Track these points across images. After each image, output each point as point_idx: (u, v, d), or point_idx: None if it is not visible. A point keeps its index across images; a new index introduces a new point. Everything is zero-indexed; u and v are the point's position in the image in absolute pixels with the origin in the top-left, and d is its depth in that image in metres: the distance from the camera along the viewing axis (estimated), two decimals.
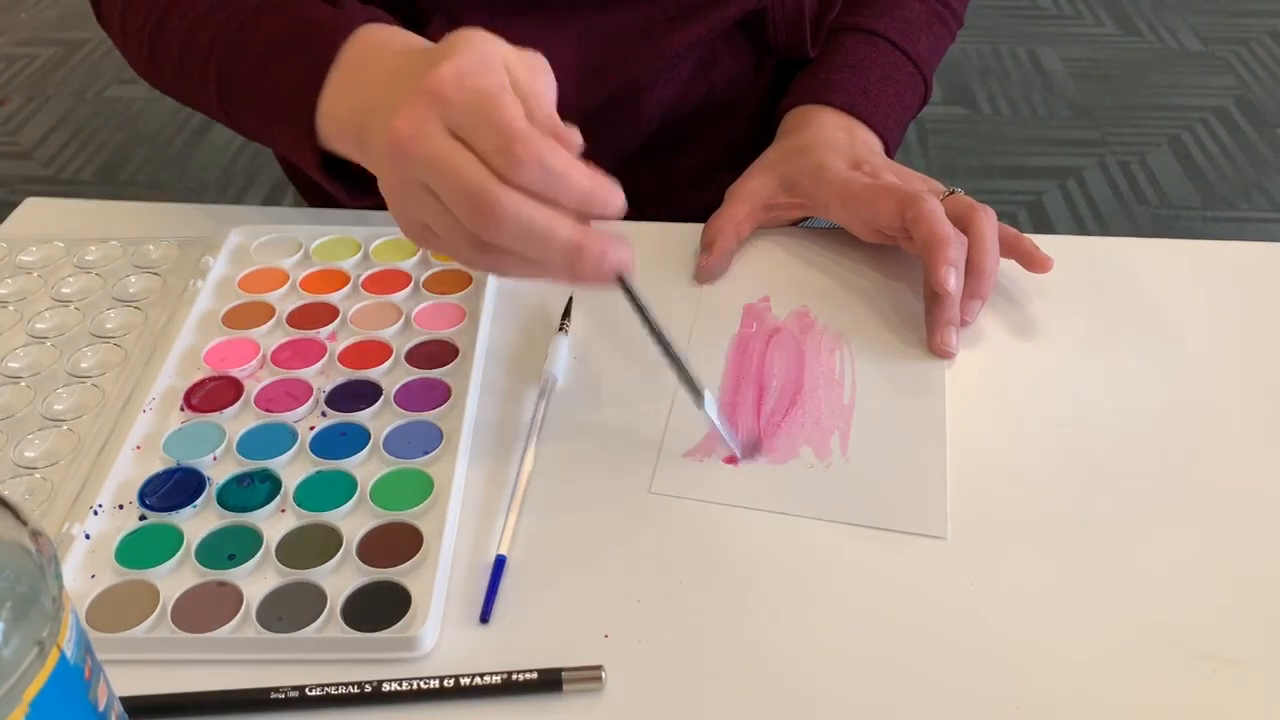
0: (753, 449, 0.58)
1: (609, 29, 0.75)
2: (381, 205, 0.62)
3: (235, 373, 0.61)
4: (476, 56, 0.49)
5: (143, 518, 0.53)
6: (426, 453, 0.56)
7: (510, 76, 0.49)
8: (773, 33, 0.80)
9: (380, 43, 0.57)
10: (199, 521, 0.53)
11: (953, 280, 0.63)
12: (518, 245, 0.48)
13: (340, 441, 0.57)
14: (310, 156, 0.59)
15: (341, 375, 0.61)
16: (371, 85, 0.55)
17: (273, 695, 0.46)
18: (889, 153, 0.77)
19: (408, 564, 0.51)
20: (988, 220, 0.66)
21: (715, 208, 0.73)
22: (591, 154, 0.86)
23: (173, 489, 0.54)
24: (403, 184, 0.50)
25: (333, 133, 0.58)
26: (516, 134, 0.47)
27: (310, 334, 0.64)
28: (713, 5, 0.76)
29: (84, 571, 0.51)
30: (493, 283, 0.68)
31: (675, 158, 0.84)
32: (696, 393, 0.55)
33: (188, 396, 0.60)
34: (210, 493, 0.54)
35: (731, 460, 0.57)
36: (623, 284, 0.51)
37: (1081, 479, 0.56)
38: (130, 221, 0.74)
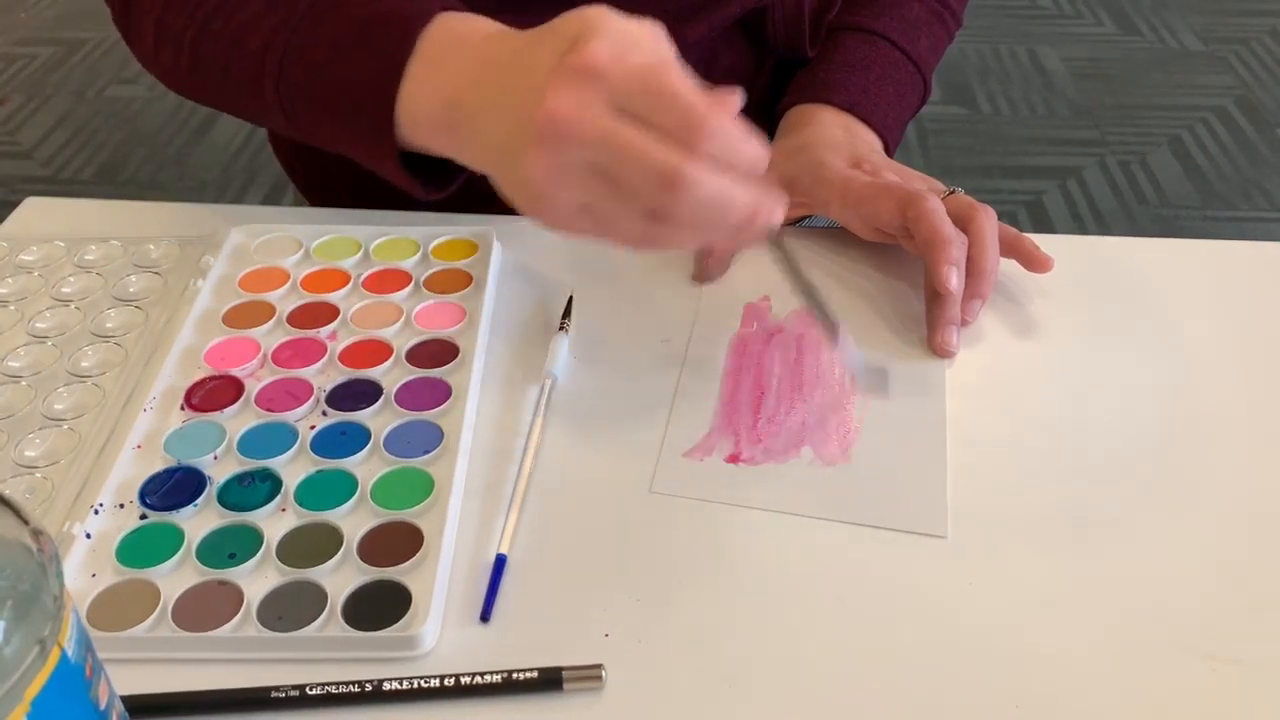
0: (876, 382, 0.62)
1: None
2: (456, 198, 0.60)
3: (236, 372, 0.61)
4: (620, 31, 0.48)
5: (143, 517, 0.53)
6: (427, 452, 0.56)
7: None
8: (772, 31, 0.80)
9: (463, 30, 0.55)
10: (200, 521, 0.53)
11: (954, 280, 0.63)
12: (702, 214, 0.48)
13: (341, 441, 0.57)
14: (388, 154, 0.57)
15: (342, 374, 0.61)
16: (464, 73, 0.53)
17: (273, 694, 0.46)
18: (888, 151, 0.77)
19: (408, 563, 0.51)
20: (988, 220, 0.66)
21: None
22: None
23: (173, 488, 0.54)
24: (561, 166, 0.48)
25: (415, 129, 0.56)
26: (694, 107, 0.47)
27: (311, 333, 0.64)
28: (714, 4, 0.76)
29: (85, 570, 0.51)
30: (493, 282, 0.68)
31: None
32: (832, 330, 0.58)
33: (188, 396, 0.60)
34: (211, 492, 0.54)
35: (733, 459, 0.57)
36: (774, 237, 0.53)
37: (1082, 478, 0.57)
38: (130, 221, 0.74)
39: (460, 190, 0.61)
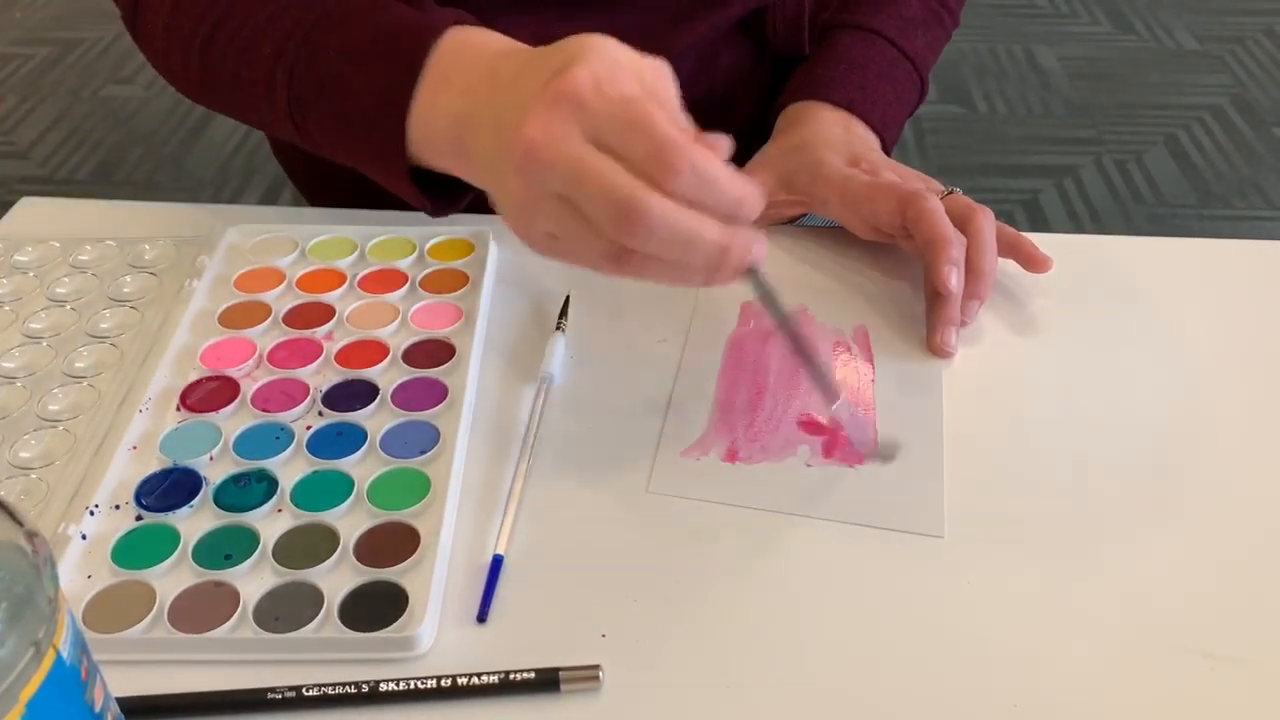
0: (889, 453, 0.57)
1: (612, 31, 0.75)
2: (483, 196, 0.60)
3: (232, 372, 0.61)
4: (609, 60, 0.47)
5: (139, 518, 0.53)
6: (423, 452, 0.56)
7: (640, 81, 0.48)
8: (772, 31, 0.80)
9: (475, 45, 0.54)
10: (195, 521, 0.53)
11: (954, 280, 0.63)
12: (664, 251, 0.47)
13: (337, 441, 0.57)
14: (398, 169, 0.56)
15: (338, 375, 0.61)
16: (471, 90, 0.53)
17: (269, 695, 0.45)
18: (886, 150, 0.76)
19: (405, 564, 0.51)
20: (986, 220, 0.66)
21: None
22: None
23: (169, 489, 0.54)
24: (532, 193, 0.48)
25: (425, 143, 0.55)
26: (669, 141, 0.45)
27: (307, 333, 0.64)
28: (715, 5, 0.76)
29: (80, 572, 0.51)
30: (489, 282, 0.68)
31: None
32: (830, 393, 0.55)
33: (184, 396, 0.60)
34: (207, 493, 0.54)
35: (730, 457, 0.57)
36: (755, 278, 0.51)
37: (1079, 477, 0.56)
38: (126, 221, 0.74)
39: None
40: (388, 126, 0.55)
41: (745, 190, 0.48)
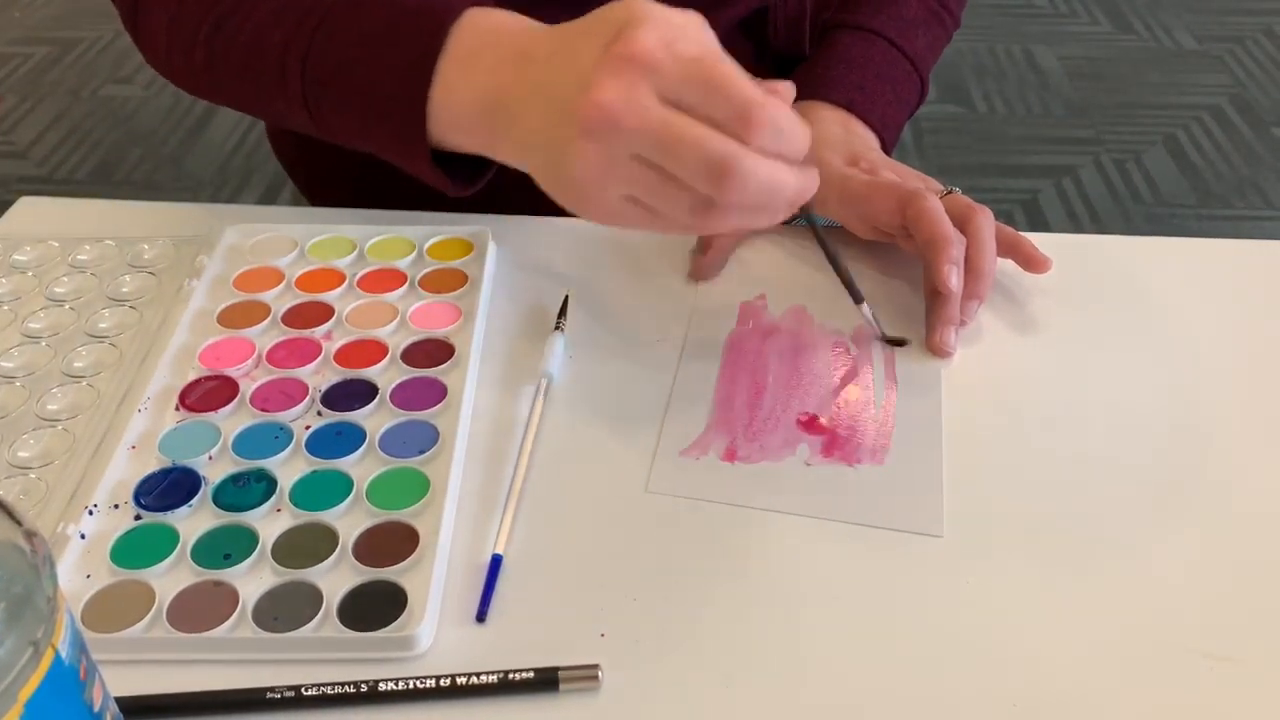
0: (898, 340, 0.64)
1: None
2: (482, 195, 0.60)
3: (230, 372, 0.61)
4: (665, 21, 0.48)
5: (138, 517, 0.53)
6: (423, 452, 0.56)
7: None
8: (773, 32, 0.80)
9: (496, 25, 0.55)
10: (194, 521, 0.53)
11: (954, 279, 0.63)
12: (752, 200, 0.49)
13: (336, 441, 0.57)
14: (420, 151, 0.57)
15: (337, 374, 0.61)
16: (497, 69, 0.53)
17: (269, 695, 0.45)
18: (885, 149, 0.76)
19: (404, 563, 0.51)
20: (986, 220, 0.66)
21: None
22: None
23: (168, 489, 0.54)
24: (608, 158, 0.48)
25: (448, 124, 0.55)
26: (750, 99, 0.47)
27: (306, 333, 0.64)
28: (717, 6, 0.76)
29: (79, 572, 0.51)
30: (488, 282, 0.68)
31: None
32: (857, 295, 0.62)
33: (183, 396, 0.59)
34: (206, 492, 0.54)
35: (729, 456, 0.57)
36: (805, 212, 0.57)
37: (1078, 477, 0.56)
38: (125, 220, 0.74)
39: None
40: (408, 108, 0.55)
41: (806, 131, 0.50)
